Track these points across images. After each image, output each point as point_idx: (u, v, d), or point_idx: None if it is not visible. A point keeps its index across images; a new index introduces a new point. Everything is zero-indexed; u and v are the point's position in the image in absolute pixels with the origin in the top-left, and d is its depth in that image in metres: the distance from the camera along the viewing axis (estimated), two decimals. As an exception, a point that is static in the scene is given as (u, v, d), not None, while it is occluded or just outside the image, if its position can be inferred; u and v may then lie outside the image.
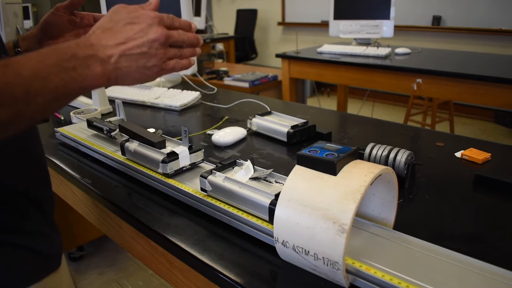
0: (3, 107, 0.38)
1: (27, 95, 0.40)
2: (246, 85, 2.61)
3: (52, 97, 0.42)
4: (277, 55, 2.76)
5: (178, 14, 1.37)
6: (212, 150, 0.94)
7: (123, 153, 0.80)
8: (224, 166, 0.67)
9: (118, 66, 0.48)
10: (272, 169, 0.65)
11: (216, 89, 1.49)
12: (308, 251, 0.47)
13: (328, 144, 0.53)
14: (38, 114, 0.42)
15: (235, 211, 0.60)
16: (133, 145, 0.78)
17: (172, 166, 0.71)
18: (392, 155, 0.75)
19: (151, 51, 0.50)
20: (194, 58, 0.60)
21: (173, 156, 0.72)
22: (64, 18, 0.72)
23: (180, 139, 0.77)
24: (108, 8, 1.52)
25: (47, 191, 0.65)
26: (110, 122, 0.91)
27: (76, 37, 0.72)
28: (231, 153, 0.92)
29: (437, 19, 3.99)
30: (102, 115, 1.24)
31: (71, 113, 1.13)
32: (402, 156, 0.74)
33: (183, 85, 1.55)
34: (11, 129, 0.40)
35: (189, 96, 1.33)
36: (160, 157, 0.72)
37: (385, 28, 2.57)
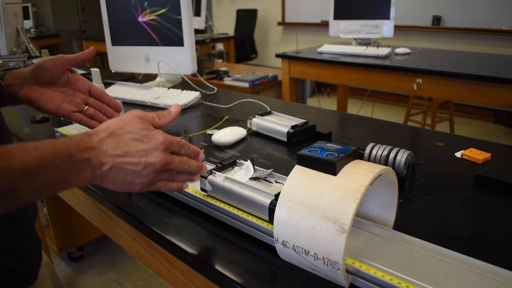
0: None
1: (11, 190, 0.40)
2: (246, 85, 2.61)
3: (34, 193, 0.42)
4: (277, 55, 2.76)
5: (178, 15, 1.37)
6: (212, 150, 0.94)
7: (123, 153, 0.80)
8: (224, 166, 0.67)
9: (106, 174, 0.48)
10: (272, 169, 0.65)
11: (216, 89, 1.49)
12: (308, 251, 0.47)
13: (328, 144, 0.53)
14: (14, 206, 0.42)
15: (235, 211, 0.60)
16: (133, 145, 0.78)
17: (172, 166, 0.71)
18: (392, 155, 0.75)
19: (143, 172, 0.49)
20: (189, 182, 0.57)
21: (173, 156, 0.72)
22: (60, 70, 0.68)
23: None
24: (108, 9, 1.51)
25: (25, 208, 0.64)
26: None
27: (62, 95, 0.68)
28: (231, 153, 0.92)
29: (437, 19, 3.99)
30: (102, 115, 1.24)
31: (71, 113, 1.13)
32: (402, 156, 0.74)
33: (183, 85, 1.55)
34: None
35: (189, 96, 1.33)
36: (160, 157, 0.71)
37: (385, 28, 2.57)
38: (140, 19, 1.47)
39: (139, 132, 0.49)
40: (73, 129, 0.98)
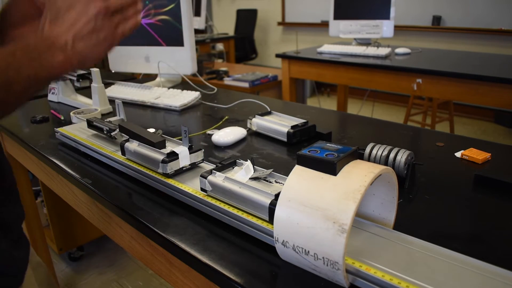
0: None
1: (6, 84, 0.45)
2: (246, 85, 2.61)
3: (27, 85, 0.47)
4: (277, 55, 2.76)
5: (178, 15, 1.37)
6: (212, 150, 0.94)
7: (123, 153, 0.80)
8: (224, 166, 0.67)
9: (76, 50, 0.51)
10: (272, 169, 0.65)
11: (216, 89, 1.49)
12: (308, 251, 0.47)
13: (328, 144, 0.53)
14: (18, 100, 0.48)
15: (235, 211, 0.60)
16: (133, 145, 0.78)
17: (172, 166, 0.71)
18: (392, 155, 0.75)
19: (97, 24, 0.53)
20: (140, 17, 0.60)
21: (173, 156, 0.72)
22: (25, 3, 0.65)
23: (180, 139, 0.77)
24: None
25: (11, 207, 0.64)
26: (110, 122, 0.91)
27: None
28: (231, 153, 0.92)
29: (437, 19, 3.99)
30: (102, 115, 1.24)
31: (71, 113, 1.13)
32: (402, 156, 0.74)
33: (183, 85, 1.55)
34: None
35: (189, 96, 1.33)
36: (160, 157, 0.72)
37: (385, 28, 2.57)
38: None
39: (65, 3, 0.53)
40: (73, 129, 0.98)
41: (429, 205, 0.68)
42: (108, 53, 0.56)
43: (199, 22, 3.66)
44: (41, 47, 0.49)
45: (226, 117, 1.17)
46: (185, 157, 0.73)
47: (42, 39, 0.51)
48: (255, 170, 0.66)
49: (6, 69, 0.45)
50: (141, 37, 1.49)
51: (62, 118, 1.21)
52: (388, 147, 0.76)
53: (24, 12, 0.65)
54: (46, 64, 0.49)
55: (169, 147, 0.76)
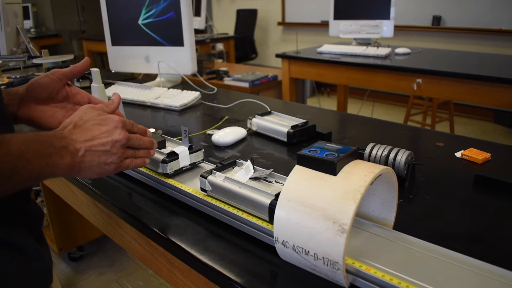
0: None
1: (11, 173, 0.46)
2: (246, 85, 2.61)
3: (27, 178, 0.48)
4: (277, 55, 2.76)
5: (179, 15, 1.37)
6: (212, 150, 0.94)
7: (123, 153, 0.80)
8: (224, 166, 0.67)
9: (83, 160, 0.54)
10: (272, 169, 0.65)
11: (216, 89, 1.49)
12: (308, 251, 0.47)
13: (328, 144, 0.53)
14: (13, 189, 0.48)
15: (235, 211, 0.60)
16: (133, 145, 0.78)
17: (172, 166, 0.71)
18: (392, 155, 0.75)
19: (112, 150, 0.56)
20: (148, 159, 0.64)
21: (173, 156, 0.72)
22: (57, 86, 0.68)
23: (180, 139, 0.77)
24: (108, 9, 1.52)
25: (33, 206, 0.64)
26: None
27: (63, 111, 0.68)
28: (231, 153, 0.92)
29: (437, 19, 3.99)
30: (102, 115, 1.24)
31: (71, 113, 1.13)
32: (402, 156, 0.74)
33: (183, 85, 1.55)
34: None
35: (189, 96, 1.33)
36: (160, 157, 0.72)
37: (385, 28, 2.57)
38: (140, 19, 1.47)
39: (97, 117, 0.57)
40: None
41: (429, 205, 0.68)
42: (105, 175, 0.59)
43: (199, 22, 3.67)
44: (56, 145, 0.51)
45: (226, 117, 1.17)
46: (185, 157, 0.73)
47: (60, 138, 0.52)
48: (255, 170, 0.66)
49: (17, 159, 0.46)
50: (141, 37, 1.49)
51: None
52: (388, 147, 0.76)
53: (52, 92, 0.67)
54: (53, 164, 0.50)
55: (169, 147, 0.76)
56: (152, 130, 0.92)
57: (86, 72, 1.30)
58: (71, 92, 0.70)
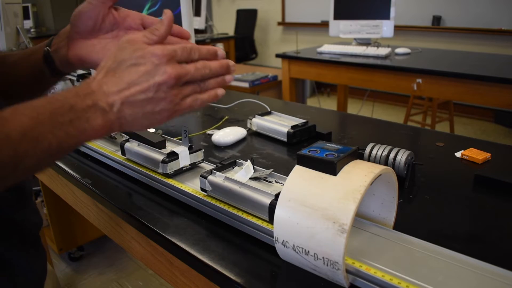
0: None
1: (15, 158, 0.37)
2: (246, 85, 2.61)
3: (45, 156, 0.39)
4: (277, 55, 2.76)
5: (178, 14, 1.37)
6: (212, 150, 0.94)
7: (123, 153, 0.80)
8: (224, 166, 0.67)
9: (121, 115, 0.43)
10: (272, 169, 0.65)
11: (216, 89, 1.49)
12: (308, 251, 0.47)
13: (328, 144, 0.53)
14: (27, 174, 0.40)
15: (235, 211, 0.60)
16: (133, 145, 0.78)
17: (172, 166, 0.71)
18: (392, 155, 0.75)
19: (158, 95, 0.43)
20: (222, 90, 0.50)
21: (173, 156, 0.72)
22: (101, 12, 0.54)
23: (180, 139, 0.77)
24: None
25: (28, 214, 0.61)
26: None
27: (115, 41, 0.56)
28: (231, 153, 0.92)
29: (437, 19, 3.99)
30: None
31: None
32: (402, 156, 0.74)
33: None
34: None
35: (189, 96, 1.33)
36: (160, 157, 0.72)
37: (385, 28, 2.57)
38: (140, 19, 1.46)
39: (132, 55, 0.43)
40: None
41: (429, 205, 0.68)
42: (160, 124, 0.46)
43: (199, 22, 3.66)
44: (78, 107, 0.41)
45: (226, 117, 1.17)
46: (185, 157, 0.73)
47: (84, 95, 0.42)
48: (255, 170, 0.66)
49: (21, 140, 0.37)
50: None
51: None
52: (388, 147, 0.76)
53: (97, 21, 0.55)
54: (76, 132, 0.40)
55: (169, 147, 0.76)
56: (152, 130, 0.92)
57: (87, 72, 1.30)
58: (119, 16, 0.56)
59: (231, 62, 0.51)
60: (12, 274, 0.53)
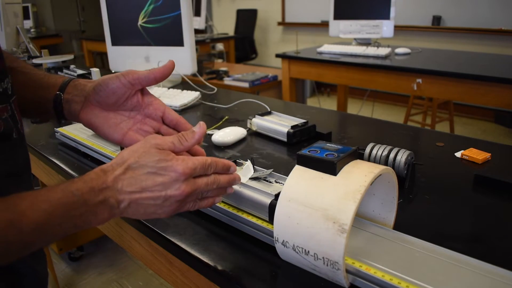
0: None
1: (23, 249, 0.40)
2: (246, 85, 2.61)
3: (48, 242, 0.42)
4: (277, 55, 2.76)
5: (178, 15, 1.37)
6: (212, 150, 0.94)
7: (123, 153, 0.80)
8: (224, 166, 0.67)
9: (124, 211, 0.46)
10: (272, 169, 0.65)
11: (216, 89, 1.49)
12: (308, 251, 0.47)
13: (328, 144, 0.53)
14: (24, 255, 0.41)
15: (235, 211, 0.60)
16: (133, 145, 0.78)
17: (172, 166, 0.71)
18: (392, 155, 0.75)
19: (165, 203, 0.46)
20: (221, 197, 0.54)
21: (173, 156, 0.71)
22: (128, 91, 0.55)
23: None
24: (108, 9, 1.51)
25: None
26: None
27: (130, 121, 0.57)
28: (231, 153, 0.92)
29: (437, 19, 3.99)
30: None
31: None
32: (402, 156, 0.74)
33: (183, 85, 1.55)
34: None
35: (189, 96, 1.33)
36: (160, 157, 0.71)
37: (385, 28, 2.57)
38: (140, 19, 1.47)
39: (155, 165, 0.45)
40: (73, 129, 0.98)
41: (429, 205, 0.68)
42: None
43: (199, 22, 3.66)
44: (90, 202, 0.42)
45: (226, 117, 1.17)
46: (185, 157, 0.73)
47: (99, 190, 0.43)
48: (255, 170, 0.66)
49: (32, 233, 0.39)
50: (141, 37, 1.49)
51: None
52: (388, 147, 0.76)
53: (120, 98, 0.56)
54: (82, 224, 0.43)
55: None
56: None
57: (86, 72, 1.29)
58: (143, 102, 0.57)
59: (237, 176, 0.54)
60: (18, 278, 0.53)
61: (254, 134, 1.04)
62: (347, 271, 0.47)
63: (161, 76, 0.56)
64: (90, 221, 0.43)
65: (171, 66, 0.56)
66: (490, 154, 0.84)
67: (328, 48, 2.68)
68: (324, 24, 4.27)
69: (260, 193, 0.58)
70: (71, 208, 0.41)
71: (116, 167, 0.46)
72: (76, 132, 0.96)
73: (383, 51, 2.41)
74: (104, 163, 0.86)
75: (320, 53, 2.68)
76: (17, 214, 0.38)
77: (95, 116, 0.56)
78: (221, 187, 0.51)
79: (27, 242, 0.39)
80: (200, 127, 0.51)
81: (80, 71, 1.36)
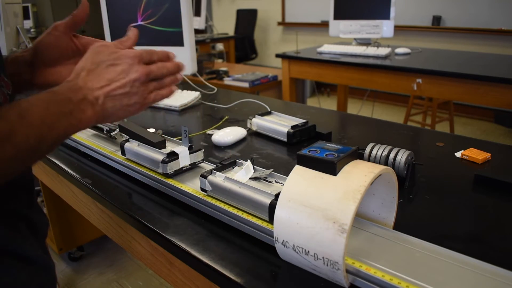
0: (21, 161, 0.43)
1: (39, 143, 0.44)
2: (246, 85, 2.61)
3: (54, 142, 0.47)
4: (277, 55, 2.76)
5: (178, 15, 1.37)
6: (212, 150, 0.94)
7: (123, 153, 0.80)
8: (224, 166, 0.67)
9: (104, 107, 0.51)
10: (272, 169, 0.65)
11: (216, 89, 1.49)
12: (308, 251, 0.47)
13: (328, 144, 0.53)
14: (38, 159, 0.47)
15: (235, 211, 0.60)
16: (133, 145, 0.78)
17: (172, 166, 0.71)
18: (392, 155, 0.75)
19: (132, 90, 0.52)
20: (175, 86, 0.61)
21: (173, 156, 0.72)
22: (63, 41, 0.61)
23: (180, 139, 0.77)
24: (108, 9, 1.52)
25: (37, 214, 0.62)
26: (110, 122, 0.91)
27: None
28: (231, 153, 0.92)
29: (437, 19, 3.99)
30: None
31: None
32: (402, 156, 0.74)
33: (183, 85, 1.55)
34: (15, 173, 0.45)
35: (189, 96, 1.33)
36: (160, 157, 0.72)
37: (385, 28, 2.57)
38: (140, 19, 1.47)
39: (109, 57, 0.52)
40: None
41: (429, 205, 0.68)
42: (131, 116, 0.55)
43: (199, 22, 3.66)
44: (74, 99, 0.48)
45: (226, 117, 1.17)
46: (185, 157, 0.73)
47: (76, 89, 0.49)
48: (255, 170, 0.66)
49: (40, 126, 0.44)
50: (141, 37, 1.49)
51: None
52: (388, 147, 0.76)
53: (61, 50, 0.61)
54: (75, 121, 0.48)
55: (169, 147, 0.76)
56: (152, 130, 0.92)
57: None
58: (81, 44, 0.63)
59: (180, 63, 0.61)
60: (36, 270, 0.55)
61: (254, 134, 1.04)
62: (347, 271, 0.47)
63: (83, 15, 0.62)
64: (81, 118, 0.48)
65: (86, 4, 0.62)
66: (490, 154, 0.84)
67: (328, 48, 2.68)
68: (324, 24, 4.27)
69: (260, 193, 0.58)
70: (61, 105, 0.47)
71: (79, 73, 0.51)
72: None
73: (383, 51, 2.41)
74: (104, 163, 0.86)
75: (320, 53, 2.68)
76: (22, 110, 0.43)
77: (47, 75, 0.61)
78: (171, 74, 0.58)
79: (39, 135, 0.44)
80: (131, 31, 0.59)
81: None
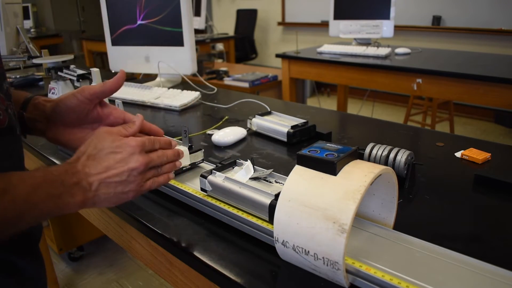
0: None
1: (18, 219, 0.43)
2: (246, 85, 2.61)
3: (35, 220, 0.46)
4: (277, 55, 2.76)
5: (178, 15, 1.37)
6: (212, 150, 0.94)
7: (123, 153, 0.80)
8: (224, 166, 0.67)
9: (97, 194, 0.50)
10: (272, 169, 0.65)
11: (216, 89, 1.49)
12: (308, 251, 0.47)
13: (328, 144, 0.53)
14: (14, 233, 0.45)
15: (235, 211, 0.60)
16: (133, 145, 0.78)
17: (172, 166, 0.71)
18: (392, 155, 0.75)
19: (129, 178, 0.52)
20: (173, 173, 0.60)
21: (173, 156, 0.71)
22: (86, 106, 0.60)
23: (180, 139, 0.77)
24: (108, 9, 1.52)
25: None
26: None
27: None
28: (231, 153, 0.92)
29: (437, 19, 3.99)
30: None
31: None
32: (402, 156, 0.74)
33: (183, 85, 1.55)
34: None
35: (189, 96, 1.33)
36: (160, 157, 0.71)
37: (385, 28, 2.57)
38: (140, 19, 1.47)
39: (111, 145, 0.52)
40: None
41: (429, 205, 0.68)
42: (126, 201, 0.54)
43: (199, 22, 3.66)
44: (66, 183, 0.47)
45: (226, 117, 1.17)
46: (185, 157, 0.73)
47: (72, 173, 0.49)
48: (255, 170, 0.66)
49: (23, 204, 0.43)
50: (141, 37, 1.49)
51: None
52: (388, 147, 0.76)
53: (82, 115, 0.60)
54: (62, 204, 0.47)
55: (169, 147, 0.76)
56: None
57: (86, 72, 1.29)
58: (103, 113, 0.62)
59: (180, 150, 0.60)
60: (24, 279, 0.54)
61: (254, 134, 1.04)
62: (347, 271, 0.47)
63: (115, 87, 0.61)
64: (68, 202, 0.47)
65: (122, 76, 0.61)
66: (490, 154, 0.84)
67: (328, 48, 2.68)
68: (324, 24, 4.27)
69: (260, 193, 0.58)
70: (51, 187, 0.46)
71: (79, 156, 0.51)
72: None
73: (383, 51, 2.41)
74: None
75: (320, 53, 2.68)
76: (9, 185, 0.43)
77: (60, 134, 0.61)
78: (171, 162, 0.58)
79: (19, 212, 0.43)
80: (138, 118, 0.59)
81: (80, 71, 1.36)
